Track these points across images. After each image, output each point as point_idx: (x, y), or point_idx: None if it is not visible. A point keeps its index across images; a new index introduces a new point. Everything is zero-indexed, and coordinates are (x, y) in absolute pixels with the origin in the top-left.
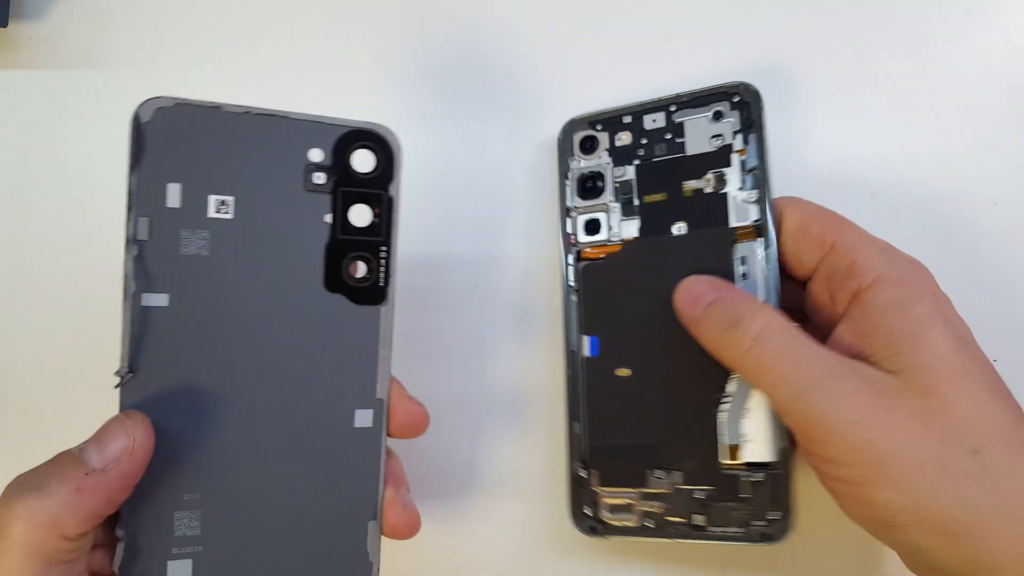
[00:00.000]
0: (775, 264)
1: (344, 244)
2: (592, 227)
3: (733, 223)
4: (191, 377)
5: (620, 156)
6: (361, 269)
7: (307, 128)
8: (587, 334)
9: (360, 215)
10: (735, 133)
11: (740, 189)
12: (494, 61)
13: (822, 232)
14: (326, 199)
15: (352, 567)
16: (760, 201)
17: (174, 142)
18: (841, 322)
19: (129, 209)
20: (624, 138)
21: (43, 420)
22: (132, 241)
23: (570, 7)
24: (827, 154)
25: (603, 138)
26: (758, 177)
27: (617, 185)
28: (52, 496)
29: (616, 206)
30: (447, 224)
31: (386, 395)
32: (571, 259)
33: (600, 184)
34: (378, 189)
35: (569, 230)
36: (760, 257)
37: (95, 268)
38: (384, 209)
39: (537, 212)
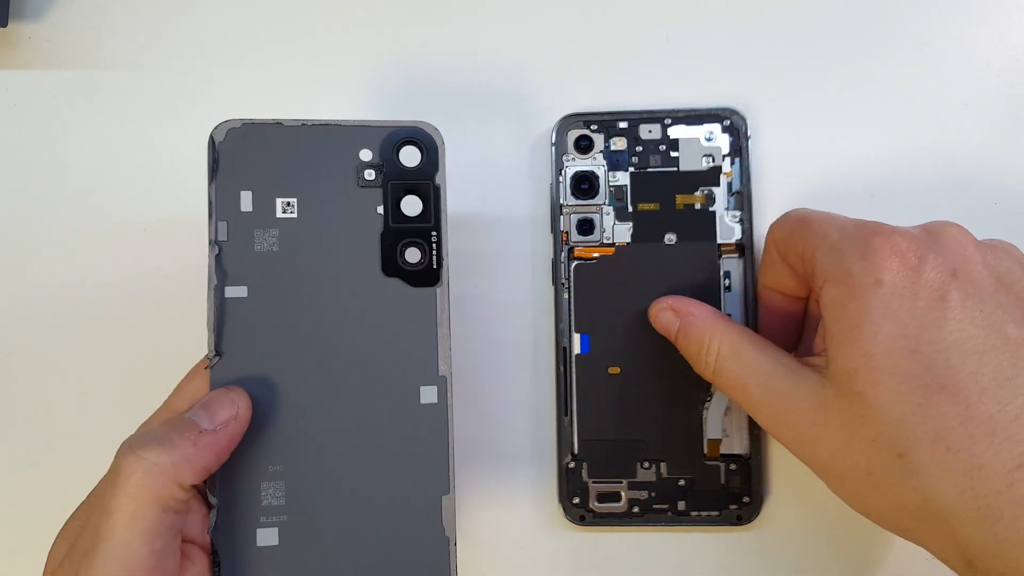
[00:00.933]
0: (752, 282)
1: (397, 232)
2: (585, 227)
3: (719, 239)
4: (269, 359)
5: (615, 161)
6: (415, 254)
7: (357, 132)
8: (578, 332)
9: (410, 205)
10: (724, 156)
11: (726, 209)
12: (492, 59)
13: (794, 249)
14: (378, 193)
15: (429, 541)
16: (742, 222)
17: (244, 156)
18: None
19: (210, 216)
20: (619, 143)
21: (43, 420)
22: (213, 242)
23: (570, 4)
24: (827, 154)
25: (598, 140)
26: (740, 200)
27: (611, 189)
28: (175, 448)
29: (610, 209)
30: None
31: (449, 371)
32: (564, 256)
33: (594, 185)
34: (425, 180)
35: (563, 228)
36: (740, 273)
37: (95, 268)
38: (432, 198)
39: (530, 208)
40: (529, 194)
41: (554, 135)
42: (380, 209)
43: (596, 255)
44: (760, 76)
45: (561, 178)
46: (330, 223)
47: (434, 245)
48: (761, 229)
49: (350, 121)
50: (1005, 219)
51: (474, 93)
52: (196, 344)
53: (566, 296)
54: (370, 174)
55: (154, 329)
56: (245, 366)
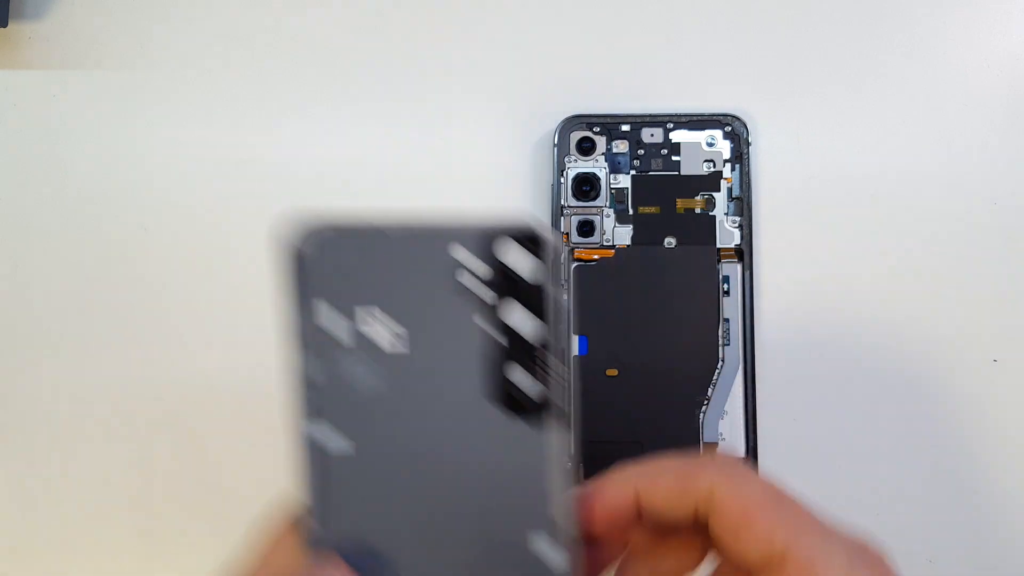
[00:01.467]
0: (750, 288)
1: (506, 350)
2: (586, 229)
3: (719, 244)
4: (368, 518)
5: (616, 163)
6: (525, 377)
7: (456, 233)
8: (577, 333)
9: (520, 318)
10: (724, 161)
11: (726, 214)
12: (493, 58)
13: (770, 530)
14: (483, 303)
15: None
16: (742, 227)
17: (328, 266)
18: None
19: (297, 343)
20: (621, 146)
21: (43, 420)
22: (304, 380)
23: (574, 6)
24: (828, 156)
25: (600, 142)
26: (740, 205)
27: (613, 192)
28: None
29: (611, 212)
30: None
31: (567, 517)
32: (564, 257)
33: (596, 187)
34: (536, 288)
35: (563, 229)
36: (739, 279)
37: (95, 267)
38: (547, 308)
39: (531, 209)
40: (530, 195)
41: (556, 136)
42: (486, 324)
43: (596, 257)
44: (761, 78)
45: (563, 179)
46: (431, 346)
47: (548, 367)
48: (761, 234)
49: (447, 219)
50: (1005, 219)
51: (478, 92)
52: (196, 344)
53: (565, 297)
54: (473, 282)
55: (155, 329)
56: (341, 526)
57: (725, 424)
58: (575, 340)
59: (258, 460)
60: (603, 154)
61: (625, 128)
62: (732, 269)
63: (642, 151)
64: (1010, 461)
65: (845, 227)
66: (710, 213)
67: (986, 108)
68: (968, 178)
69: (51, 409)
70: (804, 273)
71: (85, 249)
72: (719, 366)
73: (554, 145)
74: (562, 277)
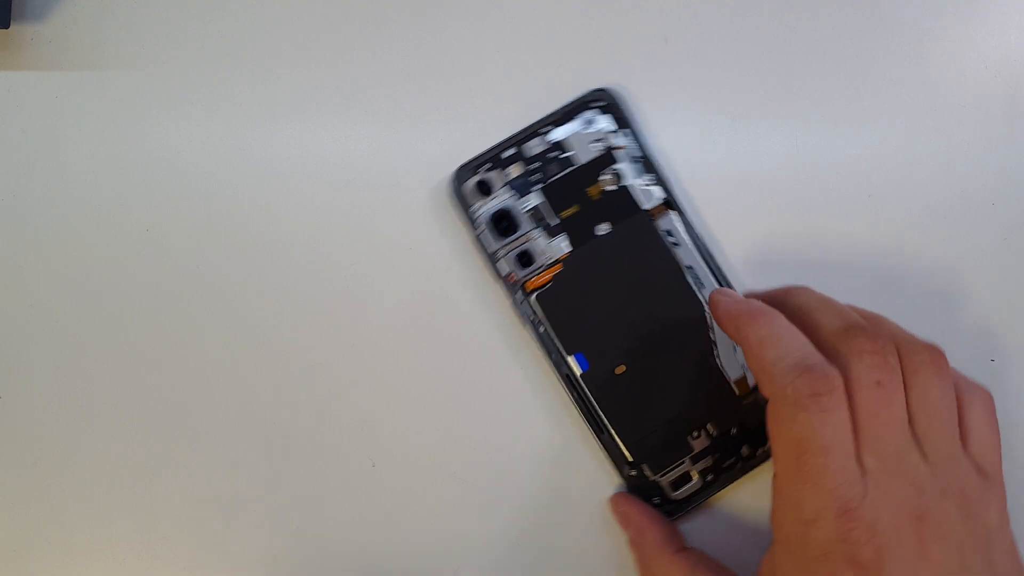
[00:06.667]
0: (696, 230)
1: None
2: (525, 259)
3: (645, 206)
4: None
5: (519, 187)
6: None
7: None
8: (571, 353)
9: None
10: (610, 133)
11: (637, 178)
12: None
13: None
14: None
15: None
16: (659, 183)
17: None
18: None
19: None
20: (515, 170)
21: (44, 421)
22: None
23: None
24: (825, 155)
25: (495, 176)
26: (646, 164)
27: (529, 213)
28: None
29: (538, 232)
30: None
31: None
32: (520, 296)
33: (512, 218)
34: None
35: (504, 271)
36: (680, 226)
37: (97, 269)
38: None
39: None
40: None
41: (454, 192)
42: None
43: (549, 277)
44: (757, 79)
45: (478, 228)
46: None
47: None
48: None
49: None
50: (1003, 220)
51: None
52: (197, 344)
53: (542, 329)
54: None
55: (156, 330)
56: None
57: (740, 354)
58: (573, 361)
59: (261, 459)
60: (504, 186)
61: (509, 152)
62: (668, 222)
63: (536, 163)
64: (1008, 461)
65: (841, 226)
66: (623, 184)
67: (984, 108)
68: (966, 179)
69: (52, 409)
70: (795, 276)
71: (87, 251)
72: (704, 310)
73: (457, 200)
74: (529, 313)
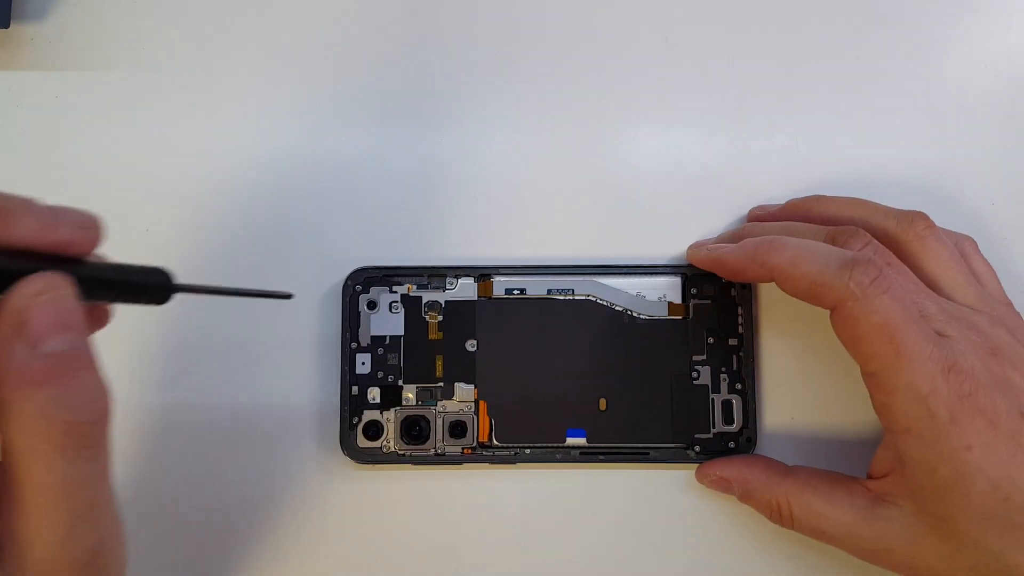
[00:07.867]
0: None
1: None
2: (458, 430)
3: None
4: None
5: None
6: None
7: None
8: (571, 432)
9: None
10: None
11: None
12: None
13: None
14: None
15: None
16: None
17: None
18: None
19: None
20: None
21: None
22: None
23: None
24: (825, 155)
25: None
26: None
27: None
28: None
29: (440, 406)
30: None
31: None
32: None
33: (423, 428)
34: None
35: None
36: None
37: None
38: None
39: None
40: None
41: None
42: None
43: (491, 415)
44: (757, 79)
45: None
46: None
47: None
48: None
49: None
50: (1003, 220)
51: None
52: (197, 344)
53: (528, 451)
54: None
55: (156, 330)
56: None
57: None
58: (572, 438)
59: (262, 464)
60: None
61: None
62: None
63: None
64: None
65: None
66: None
67: (984, 109)
68: (966, 179)
69: None
70: None
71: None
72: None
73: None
74: (491, 450)
